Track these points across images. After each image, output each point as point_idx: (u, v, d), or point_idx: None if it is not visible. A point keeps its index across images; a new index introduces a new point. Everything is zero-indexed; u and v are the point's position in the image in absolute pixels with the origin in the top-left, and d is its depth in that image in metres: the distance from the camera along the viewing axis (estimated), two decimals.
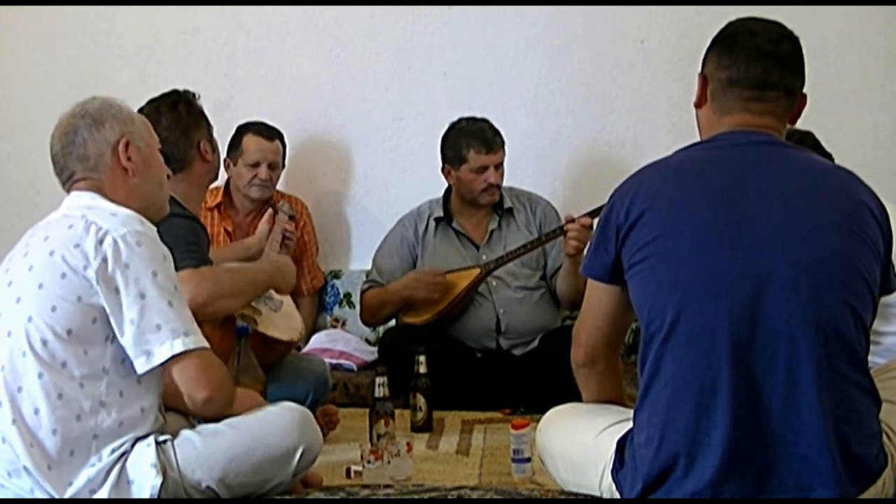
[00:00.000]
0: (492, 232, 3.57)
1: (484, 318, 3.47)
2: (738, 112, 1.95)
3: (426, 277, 3.44)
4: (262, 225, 3.23)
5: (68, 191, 2.15)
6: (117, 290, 1.98)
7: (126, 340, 1.99)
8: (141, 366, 2.00)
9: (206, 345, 2.06)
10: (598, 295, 2.00)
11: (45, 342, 1.96)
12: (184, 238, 2.49)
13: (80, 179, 2.13)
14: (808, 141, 2.80)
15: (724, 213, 1.83)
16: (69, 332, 1.97)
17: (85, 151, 2.11)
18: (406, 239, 3.61)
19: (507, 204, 3.60)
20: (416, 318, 3.47)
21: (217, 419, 2.11)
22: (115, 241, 1.99)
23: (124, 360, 2.01)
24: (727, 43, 2.02)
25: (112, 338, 2.00)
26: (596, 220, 3.18)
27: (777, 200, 1.83)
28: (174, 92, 2.82)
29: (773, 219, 1.81)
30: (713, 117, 1.98)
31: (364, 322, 3.68)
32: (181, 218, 2.59)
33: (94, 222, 2.01)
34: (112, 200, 2.10)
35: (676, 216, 1.84)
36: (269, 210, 3.31)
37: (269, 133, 3.74)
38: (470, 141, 3.50)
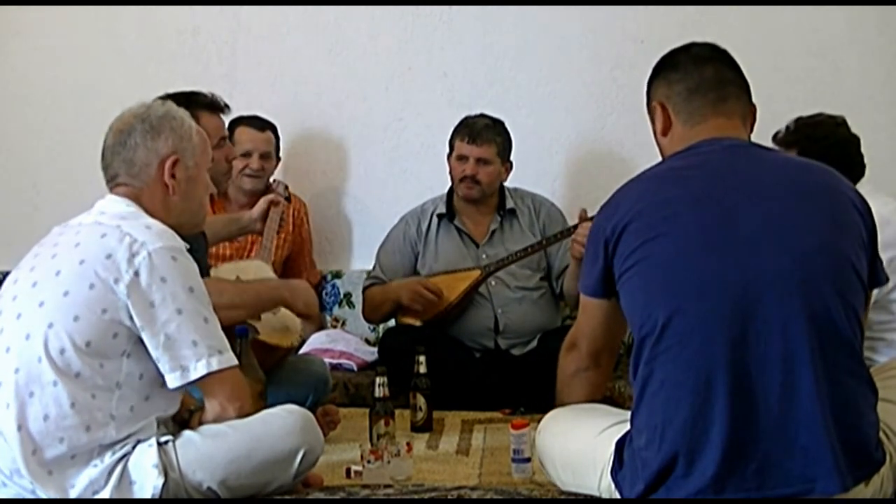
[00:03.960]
0: (493, 231, 3.58)
1: (482, 318, 3.47)
2: (710, 117, 1.99)
3: (415, 286, 3.44)
4: (261, 204, 3.19)
5: (110, 190, 2.15)
6: (152, 304, 1.98)
7: (160, 354, 1.99)
8: (174, 380, 2.01)
9: (236, 361, 2.08)
10: (593, 311, 2.05)
11: (62, 351, 1.96)
12: None
13: (121, 184, 2.13)
14: (843, 132, 2.89)
15: (708, 213, 1.85)
16: (88, 343, 1.97)
17: (133, 157, 2.12)
18: (408, 236, 3.62)
19: (510, 204, 3.60)
20: (414, 318, 3.48)
21: None
22: (149, 255, 1.99)
23: (142, 376, 2.02)
24: (668, 64, 2.08)
25: (128, 353, 2.00)
26: None
27: (758, 196, 1.86)
28: (189, 93, 2.77)
29: (756, 214, 1.83)
30: (684, 131, 2.01)
31: (365, 318, 3.68)
32: None
33: (128, 234, 2.01)
34: (148, 211, 2.09)
35: (660, 221, 1.86)
36: (272, 196, 3.27)
37: (261, 124, 3.76)
38: (460, 129, 3.56)
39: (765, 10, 3.82)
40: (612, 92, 3.93)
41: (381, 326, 3.83)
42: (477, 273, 3.46)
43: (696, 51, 2.06)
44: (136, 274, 1.97)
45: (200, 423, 2.12)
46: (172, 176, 2.13)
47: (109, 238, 2.01)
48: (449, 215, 3.60)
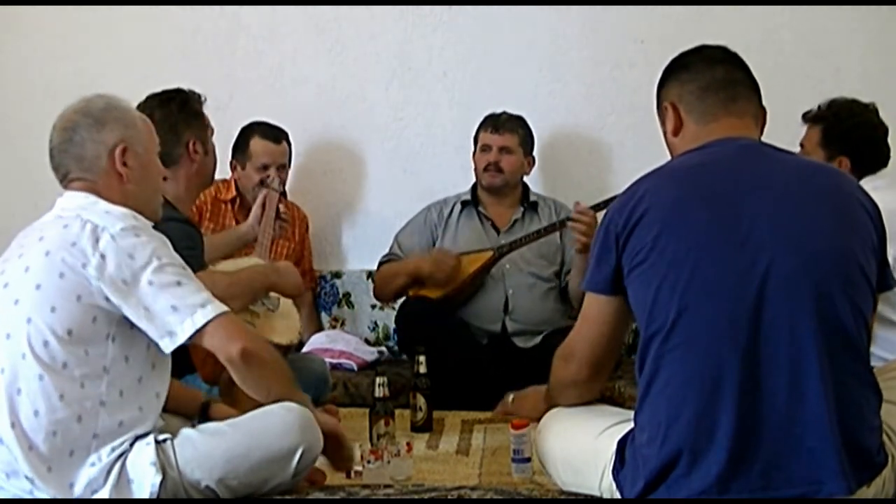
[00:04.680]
0: (515, 221, 3.67)
1: (493, 298, 3.54)
2: (722, 116, 1.98)
3: (437, 255, 3.54)
4: (255, 209, 3.22)
5: (65, 188, 2.15)
6: (125, 282, 1.98)
7: (145, 326, 2.00)
8: (166, 346, 2.02)
9: (226, 308, 2.07)
10: (600, 309, 2.01)
11: (45, 343, 1.97)
12: (178, 243, 2.48)
13: (76, 179, 2.13)
14: (871, 117, 2.94)
15: (719, 212, 1.84)
16: (69, 332, 1.97)
17: (82, 152, 2.11)
18: (429, 220, 3.71)
19: (533, 198, 3.70)
20: (429, 293, 3.53)
21: (262, 383, 2.12)
22: (112, 237, 2.00)
23: (128, 359, 2.02)
24: (681, 65, 2.08)
25: (112, 337, 2.01)
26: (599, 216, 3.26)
27: (770, 197, 1.85)
28: (176, 90, 2.82)
29: (767, 215, 1.83)
30: (697, 130, 2.00)
31: (376, 295, 3.74)
32: (175, 222, 2.59)
33: (89, 220, 2.02)
34: (107, 200, 2.10)
35: (672, 218, 1.86)
36: (261, 194, 3.31)
37: (277, 135, 3.75)
38: (484, 122, 3.69)
39: (765, 10, 3.82)
40: (612, 92, 3.93)
41: (396, 301, 3.81)
42: (490, 253, 3.53)
43: (707, 52, 2.07)
44: (103, 257, 1.99)
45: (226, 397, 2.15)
46: (124, 164, 2.13)
47: (71, 227, 2.02)
48: (473, 202, 3.70)
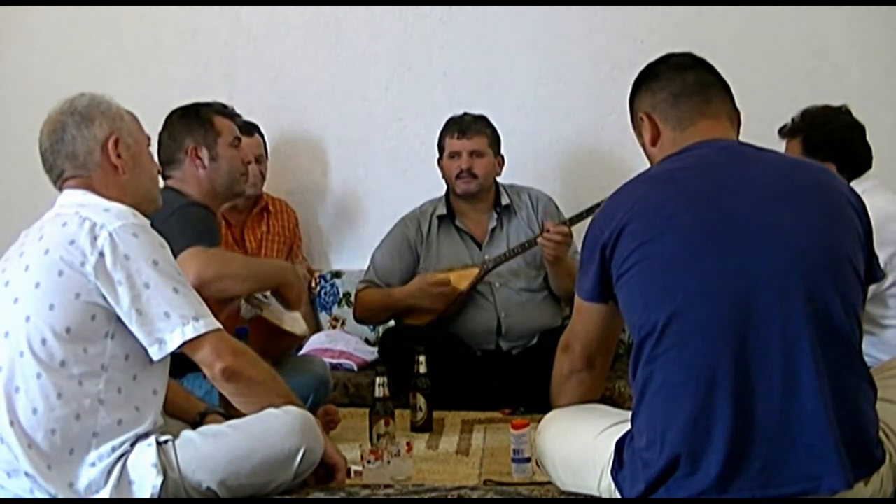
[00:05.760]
0: (493, 230, 3.57)
1: (485, 320, 3.46)
2: (698, 120, 1.99)
3: (431, 288, 3.42)
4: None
5: (60, 189, 2.16)
6: (119, 283, 1.99)
7: (136, 330, 2.01)
8: (155, 353, 2.02)
9: (218, 326, 2.08)
10: (589, 314, 2.04)
11: (43, 341, 1.97)
12: (199, 223, 2.52)
13: (71, 177, 2.14)
14: (846, 118, 2.94)
15: (705, 214, 1.85)
16: (68, 329, 1.98)
17: (74, 149, 2.12)
18: (408, 238, 3.59)
19: (505, 201, 3.59)
20: (418, 320, 3.47)
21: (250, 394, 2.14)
22: (110, 235, 2.00)
23: (127, 357, 2.03)
24: (649, 75, 2.08)
25: (112, 334, 2.01)
26: (576, 226, 3.26)
27: (755, 195, 1.86)
28: (208, 102, 2.85)
29: (753, 213, 1.83)
30: (675, 136, 2.01)
31: (357, 320, 3.65)
32: (195, 207, 2.64)
33: (87, 218, 2.03)
34: (104, 196, 2.10)
35: (657, 222, 1.86)
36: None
37: (248, 129, 3.73)
38: (449, 127, 3.57)
39: (765, 10, 3.82)
40: (612, 92, 3.92)
41: (381, 326, 3.82)
42: (476, 270, 3.46)
43: (674, 60, 2.08)
44: (101, 255, 1.99)
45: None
46: (118, 155, 2.14)
47: (70, 225, 2.03)
48: (450, 216, 3.59)
